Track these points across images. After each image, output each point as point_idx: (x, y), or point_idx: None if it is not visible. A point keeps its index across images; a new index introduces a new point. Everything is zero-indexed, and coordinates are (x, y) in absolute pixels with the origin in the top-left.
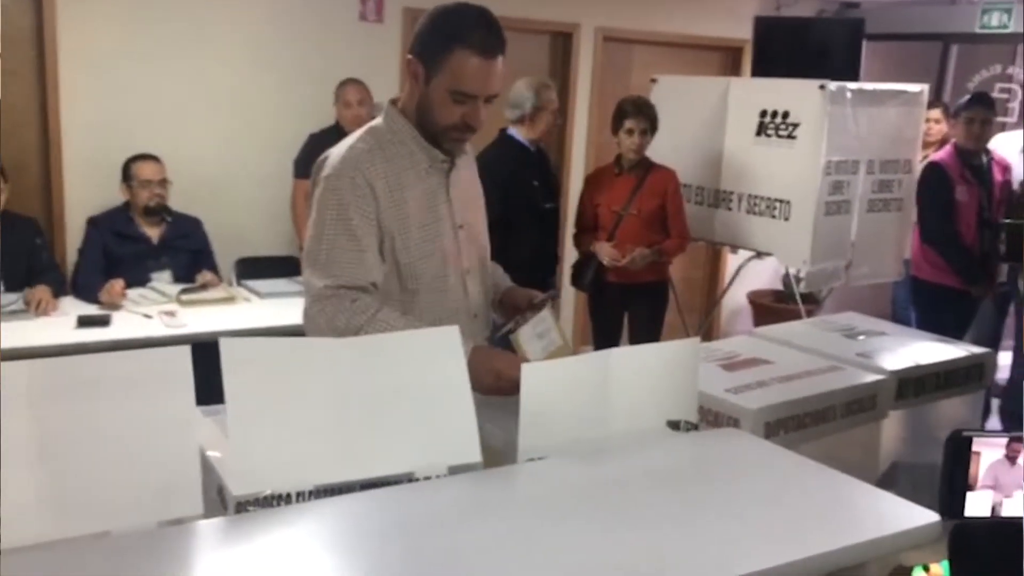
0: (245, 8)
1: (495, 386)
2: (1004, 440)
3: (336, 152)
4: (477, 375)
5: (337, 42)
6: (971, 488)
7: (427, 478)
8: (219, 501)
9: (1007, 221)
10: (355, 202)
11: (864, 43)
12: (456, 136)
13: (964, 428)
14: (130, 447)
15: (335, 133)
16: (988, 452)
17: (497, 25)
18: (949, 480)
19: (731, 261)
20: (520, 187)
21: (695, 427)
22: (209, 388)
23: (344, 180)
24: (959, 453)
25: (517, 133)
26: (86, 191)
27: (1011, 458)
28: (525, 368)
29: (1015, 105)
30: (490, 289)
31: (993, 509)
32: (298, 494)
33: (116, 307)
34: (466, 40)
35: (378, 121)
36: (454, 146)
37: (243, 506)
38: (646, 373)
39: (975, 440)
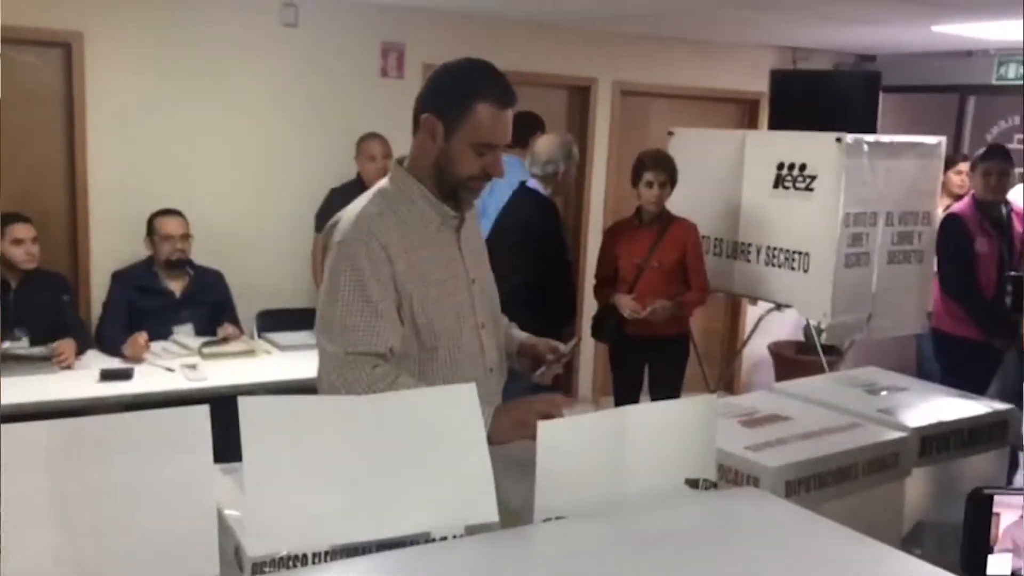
0: (268, 65)
1: (526, 432)
2: (1022, 500)
3: (347, 217)
4: (504, 432)
5: (358, 97)
6: (992, 549)
7: (444, 538)
8: (236, 562)
9: (1012, 274)
10: (370, 267)
11: (881, 95)
12: (476, 186)
13: (986, 485)
14: (147, 507)
15: (356, 187)
16: (1007, 514)
17: (505, 77)
18: (971, 539)
19: (751, 313)
20: (553, 241)
21: (714, 485)
22: (229, 442)
23: (357, 246)
24: (980, 511)
25: (539, 186)
26: (111, 246)
27: None
28: (541, 426)
29: None
30: (503, 342)
31: (1014, 573)
32: (314, 555)
33: (139, 360)
34: (486, 94)
35: (384, 182)
36: (472, 196)
37: (259, 567)
38: (663, 430)
39: (996, 499)
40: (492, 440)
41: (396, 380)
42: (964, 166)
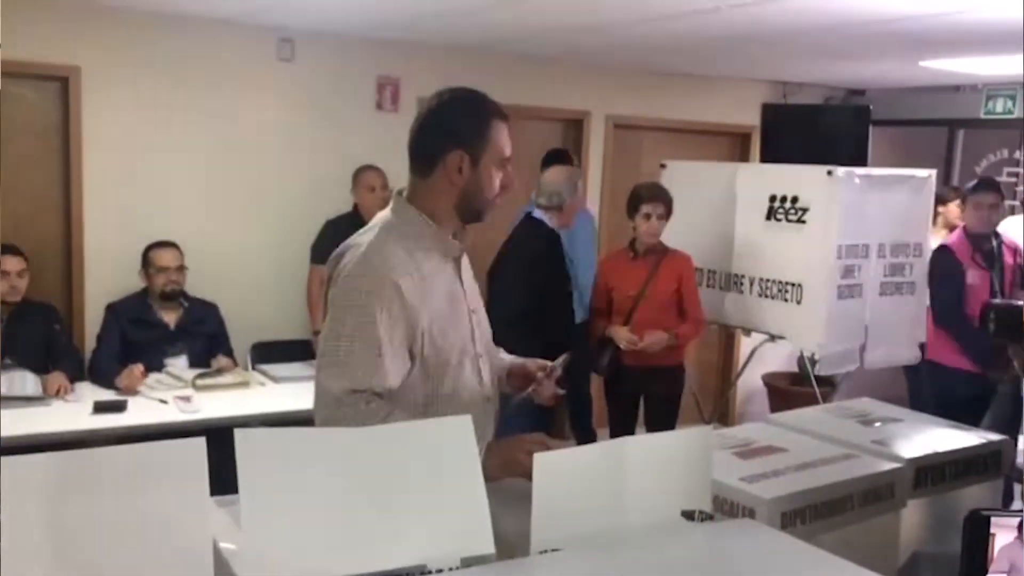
0: (263, 99)
1: (516, 471)
2: (1018, 521)
3: (355, 251)
4: (494, 470)
5: (354, 131)
6: (988, 570)
7: (440, 571)
8: None
9: (994, 302)
10: (379, 304)
11: (871, 128)
12: (498, 202)
13: (983, 507)
14: (144, 540)
15: (352, 219)
16: (1002, 536)
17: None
18: (969, 560)
19: (745, 344)
20: (559, 271)
21: (710, 517)
22: (223, 474)
23: (367, 280)
24: (977, 533)
25: (545, 217)
26: (106, 278)
27: None
28: (537, 458)
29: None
30: (495, 371)
31: None
32: None
33: (134, 392)
34: (494, 112)
35: (387, 215)
36: (490, 212)
37: None
38: (659, 462)
39: (993, 521)
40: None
41: (388, 416)
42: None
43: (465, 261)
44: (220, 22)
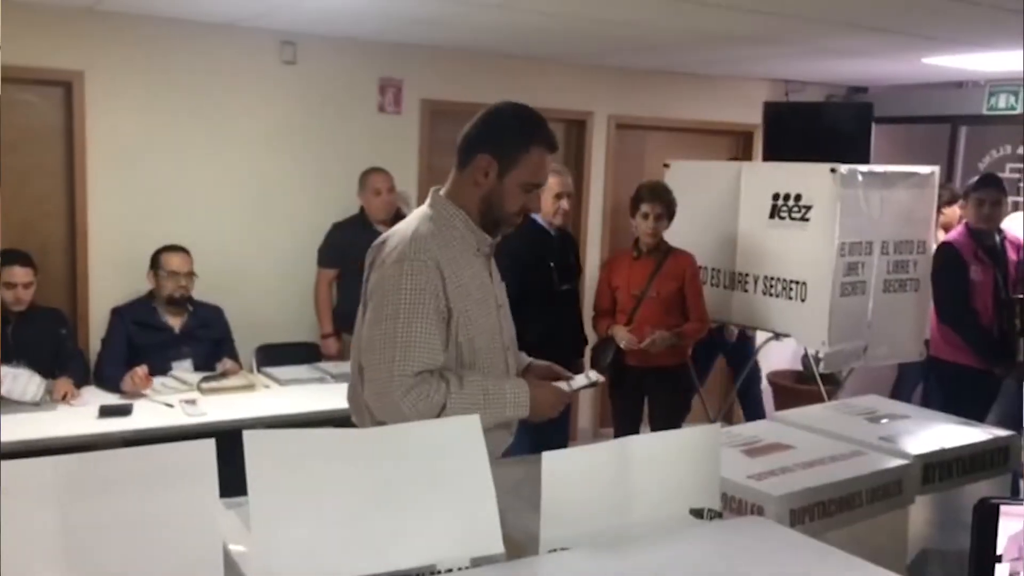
0: (267, 102)
1: (557, 404)
2: None
3: (399, 237)
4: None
5: (357, 133)
6: (1000, 559)
7: (449, 570)
8: None
9: (1020, 296)
10: (427, 286)
11: (873, 126)
12: (516, 221)
13: (992, 496)
14: (153, 542)
15: (359, 222)
16: (1011, 523)
17: (549, 125)
18: (978, 549)
19: None
20: (536, 268)
21: (719, 515)
22: (229, 477)
23: (415, 264)
24: (987, 521)
25: (538, 216)
26: (111, 282)
27: None
28: (546, 456)
29: None
30: (518, 365)
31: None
32: None
33: (139, 396)
34: (540, 139)
35: (425, 209)
36: (509, 229)
37: None
38: (667, 460)
39: (1002, 509)
40: (533, 417)
41: (449, 386)
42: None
43: (493, 261)
44: (222, 26)
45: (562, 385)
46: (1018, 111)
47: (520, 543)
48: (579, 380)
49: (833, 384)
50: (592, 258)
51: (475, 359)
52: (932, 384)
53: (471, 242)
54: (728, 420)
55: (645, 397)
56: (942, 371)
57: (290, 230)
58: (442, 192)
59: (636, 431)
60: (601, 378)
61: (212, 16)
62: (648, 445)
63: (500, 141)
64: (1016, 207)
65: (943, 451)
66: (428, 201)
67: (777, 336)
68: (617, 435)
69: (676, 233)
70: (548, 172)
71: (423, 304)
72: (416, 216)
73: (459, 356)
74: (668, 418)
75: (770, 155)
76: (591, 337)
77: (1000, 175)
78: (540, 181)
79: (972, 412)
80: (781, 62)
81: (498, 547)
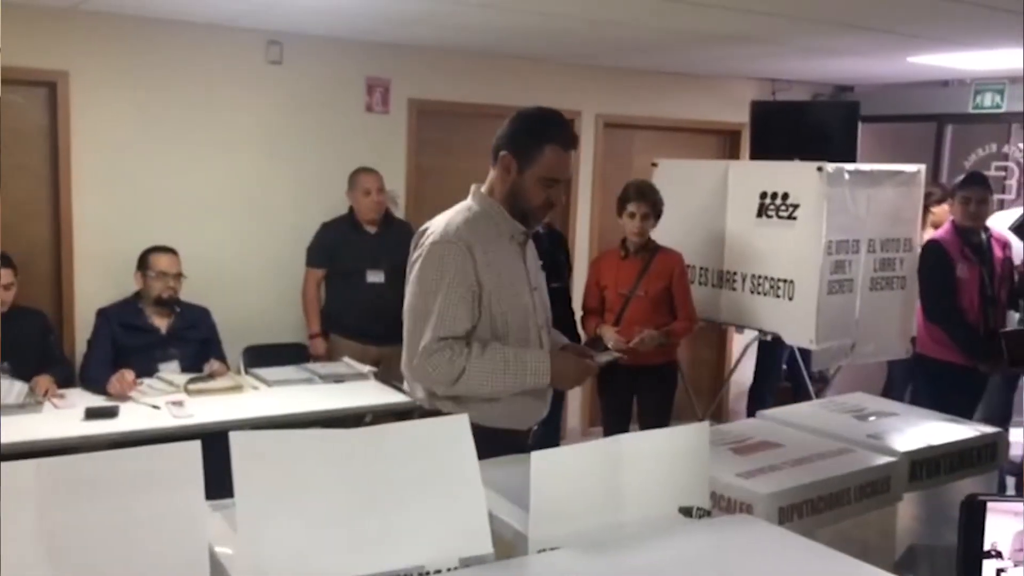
0: (253, 102)
1: (579, 374)
2: (1012, 506)
3: (437, 224)
4: (570, 380)
5: (345, 133)
6: (988, 554)
7: (438, 571)
8: None
9: (1006, 330)
10: (457, 263)
11: (860, 125)
12: (542, 213)
13: (979, 492)
14: (139, 545)
15: (348, 222)
16: (1007, 520)
17: (570, 124)
18: (966, 545)
19: (738, 341)
20: (559, 269)
21: (708, 513)
22: (217, 479)
23: (447, 245)
24: (974, 517)
25: None
26: (96, 283)
27: None
28: (534, 456)
29: (1012, 183)
30: (554, 344)
31: (998, 572)
32: None
33: (125, 398)
34: (554, 139)
35: (469, 202)
36: (537, 221)
37: None
38: (657, 459)
39: (989, 506)
40: (557, 385)
41: (472, 356)
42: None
43: (530, 248)
44: (208, 26)
45: (589, 359)
46: (1003, 110)
47: (509, 543)
48: (603, 356)
49: (822, 382)
50: (581, 257)
51: (508, 332)
52: (919, 381)
53: (505, 230)
54: (716, 418)
55: (634, 396)
56: (929, 368)
57: (277, 230)
58: (483, 189)
59: (625, 430)
60: (621, 356)
61: (197, 16)
62: (637, 443)
63: (519, 141)
64: (1002, 205)
65: (931, 448)
66: (469, 195)
67: (765, 334)
68: (606, 434)
69: (664, 232)
70: (566, 168)
71: (451, 279)
72: (456, 208)
73: (493, 329)
74: (657, 416)
75: (757, 154)
76: (583, 335)
77: (986, 173)
78: (558, 176)
79: (959, 409)
80: (768, 61)
81: (487, 547)
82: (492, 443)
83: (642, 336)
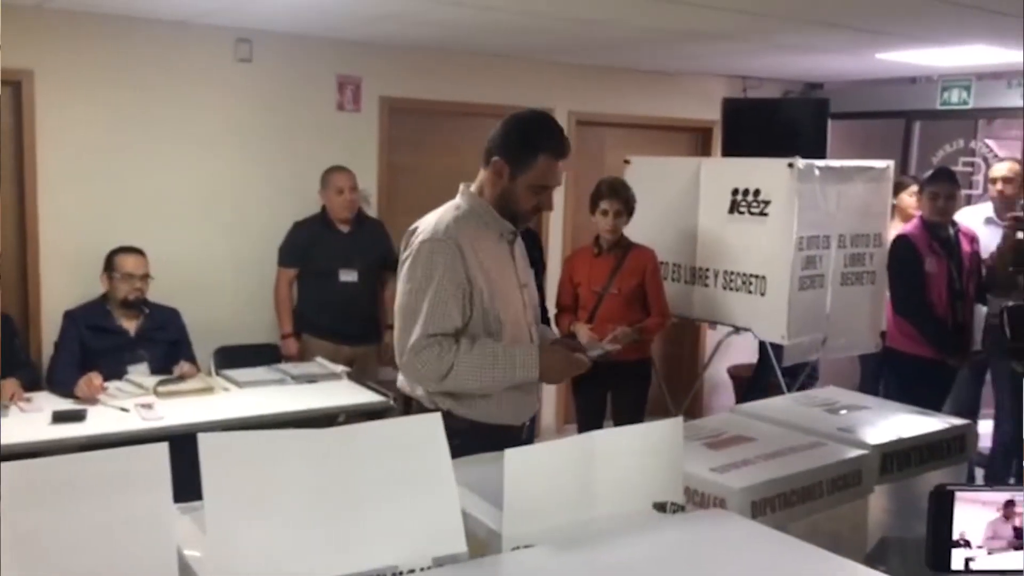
0: (223, 100)
1: (569, 368)
2: (989, 496)
3: (427, 222)
4: (559, 373)
5: (316, 131)
6: (957, 544)
7: (411, 571)
8: None
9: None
10: (446, 261)
11: (829, 121)
12: (530, 216)
13: (948, 483)
14: (107, 548)
15: (321, 221)
16: (976, 510)
17: (562, 131)
18: (935, 534)
19: (711, 337)
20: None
21: (682, 508)
22: (187, 482)
23: (437, 243)
24: (942, 507)
25: None
26: (63, 284)
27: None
28: (507, 453)
29: (979, 178)
30: (546, 338)
31: (967, 560)
32: None
33: (93, 401)
34: (547, 148)
35: (457, 200)
36: (526, 223)
37: None
38: (630, 455)
39: (957, 495)
40: (546, 380)
41: (459, 349)
42: (915, 187)
43: (519, 246)
44: (176, 23)
45: (580, 353)
46: (970, 106)
47: (483, 541)
48: (595, 350)
49: (792, 377)
50: (554, 254)
51: (501, 329)
52: (889, 375)
53: (494, 228)
54: (690, 414)
55: (608, 393)
56: (898, 362)
57: (248, 230)
58: (472, 187)
59: (600, 426)
60: (617, 346)
61: (164, 13)
62: (611, 440)
63: (512, 148)
64: (969, 200)
65: (901, 440)
66: (458, 194)
67: (737, 330)
68: (581, 431)
69: (637, 229)
70: (558, 175)
71: (440, 277)
72: (445, 207)
73: (486, 325)
74: (631, 413)
75: (729, 151)
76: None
77: (953, 169)
78: (549, 184)
79: (929, 402)
80: (739, 59)
81: (461, 546)
82: (488, 439)
83: (615, 333)
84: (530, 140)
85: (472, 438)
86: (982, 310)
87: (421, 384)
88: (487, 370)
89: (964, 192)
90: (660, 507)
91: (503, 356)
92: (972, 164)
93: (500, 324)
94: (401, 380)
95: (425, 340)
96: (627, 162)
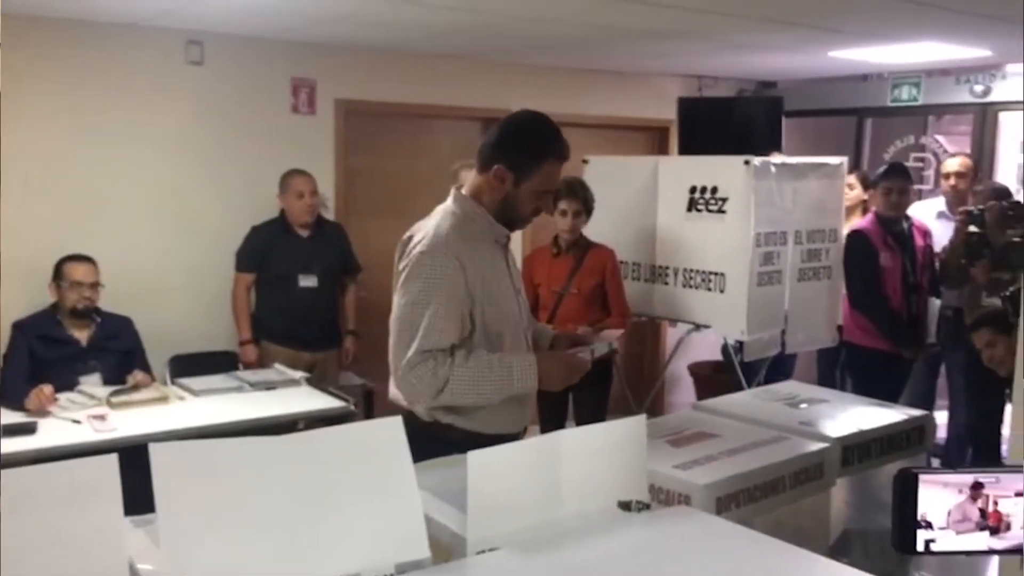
0: (174, 105)
1: (569, 373)
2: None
3: (423, 232)
4: (559, 380)
5: (270, 135)
6: (921, 525)
7: None
8: None
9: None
10: (444, 275)
11: (783, 119)
12: (531, 219)
13: (912, 466)
14: (56, 563)
15: (279, 225)
16: (942, 493)
17: (561, 132)
18: (900, 516)
19: (671, 334)
20: None
21: (647, 507)
22: (142, 494)
23: (436, 256)
24: (907, 489)
25: None
26: (12, 294)
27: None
28: (471, 456)
29: (930, 173)
30: (543, 340)
31: (927, 543)
32: None
33: (44, 414)
34: (553, 153)
35: (449, 205)
36: (524, 226)
37: None
38: (594, 454)
39: (921, 478)
40: (545, 387)
41: (454, 363)
42: (851, 178)
43: (510, 248)
44: (125, 26)
45: (584, 353)
46: (920, 102)
47: (447, 546)
48: (599, 348)
49: (752, 372)
50: (515, 255)
51: (501, 340)
52: (847, 368)
53: (490, 234)
54: (652, 412)
55: (569, 392)
56: (856, 355)
57: (202, 235)
58: (464, 191)
59: (562, 426)
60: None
61: (113, 15)
62: (574, 439)
63: (515, 155)
64: (920, 195)
65: (861, 433)
66: (451, 198)
67: (697, 327)
68: (544, 431)
69: (596, 228)
70: (559, 180)
71: (438, 292)
72: (439, 212)
73: (487, 337)
74: (593, 412)
75: (686, 149)
76: None
77: (905, 164)
78: (551, 189)
79: (886, 394)
80: (694, 58)
81: (424, 552)
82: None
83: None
84: (535, 146)
85: (472, 449)
86: (935, 303)
87: (417, 400)
88: (484, 383)
89: (916, 187)
90: (625, 506)
91: (499, 367)
92: (923, 159)
93: (500, 336)
94: (394, 392)
95: (419, 356)
96: (585, 162)
